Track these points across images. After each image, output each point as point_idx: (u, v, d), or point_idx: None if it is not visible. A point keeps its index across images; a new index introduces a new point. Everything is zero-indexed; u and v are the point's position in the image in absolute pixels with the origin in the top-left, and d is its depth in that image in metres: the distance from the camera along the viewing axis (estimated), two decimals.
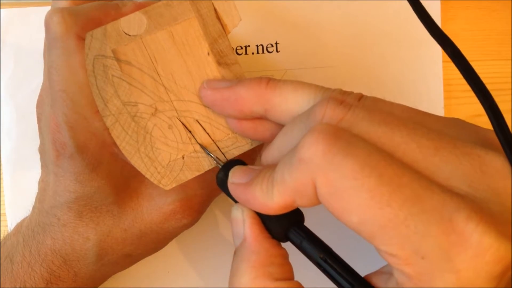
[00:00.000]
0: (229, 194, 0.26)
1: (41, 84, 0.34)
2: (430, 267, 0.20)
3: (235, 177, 0.26)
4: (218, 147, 0.29)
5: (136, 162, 0.28)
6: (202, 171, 0.29)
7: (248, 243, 0.25)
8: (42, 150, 0.33)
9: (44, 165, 0.33)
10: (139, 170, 0.28)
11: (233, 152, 0.29)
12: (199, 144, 0.29)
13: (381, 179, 0.20)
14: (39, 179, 0.33)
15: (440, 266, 0.19)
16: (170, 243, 0.34)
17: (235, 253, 0.25)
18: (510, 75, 0.41)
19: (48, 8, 0.40)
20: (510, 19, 0.41)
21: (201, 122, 0.29)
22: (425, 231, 0.19)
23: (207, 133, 0.29)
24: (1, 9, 0.40)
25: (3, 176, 0.39)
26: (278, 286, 0.23)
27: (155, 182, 0.28)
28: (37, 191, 0.33)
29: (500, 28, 0.41)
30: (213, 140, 0.29)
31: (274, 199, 0.23)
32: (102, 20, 0.28)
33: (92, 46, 0.27)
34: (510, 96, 0.40)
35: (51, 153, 0.31)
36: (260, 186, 0.24)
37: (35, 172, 0.34)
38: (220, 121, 0.29)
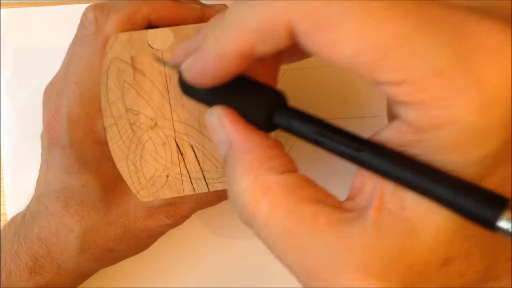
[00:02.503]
0: (196, 98, 0.24)
1: (41, 84, 0.34)
2: (449, 85, 0.17)
3: (188, 59, 0.22)
4: (204, 176, 0.29)
5: (122, 167, 0.28)
6: (182, 194, 0.29)
7: (237, 143, 0.21)
8: (41, 137, 0.33)
9: (41, 153, 0.33)
10: (122, 175, 0.28)
11: (217, 185, 0.29)
12: None
13: None
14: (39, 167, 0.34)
15: (460, 81, 0.17)
16: (171, 243, 0.34)
17: (224, 162, 0.22)
18: None
19: (48, 8, 0.40)
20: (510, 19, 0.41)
21: (195, 148, 0.29)
22: (436, 42, 0.17)
23: (198, 161, 0.29)
24: (1, 9, 0.40)
25: (3, 176, 0.39)
26: (284, 179, 0.20)
27: (134, 191, 0.29)
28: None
29: None
30: (201, 168, 0.29)
31: (228, 43, 0.19)
32: (132, 18, 0.28)
33: (113, 47, 0.28)
34: None
35: (45, 140, 0.31)
36: (211, 34, 0.20)
37: (35, 172, 0.34)
38: (213, 153, 0.29)
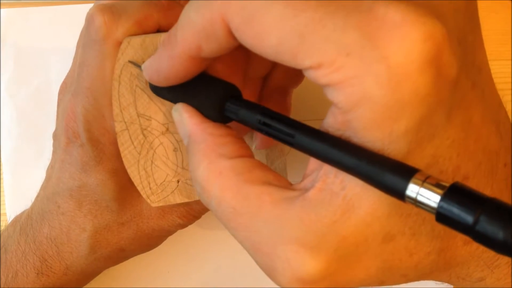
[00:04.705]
0: (163, 96, 0.26)
1: (41, 84, 0.34)
2: (357, 63, 0.18)
3: (147, 61, 0.25)
4: None
5: (132, 172, 0.28)
6: (192, 199, 0.29)
7: (193, 135, 0.23)
8: (55, 136, 0.33)
9: (54, 151, 0.33)
10: (133, 180, 0.28)
11: None
12: None
13: None
14: (48, 167, 0.33)
15: (367, 58, 0.17)
16: (170, 243, 0.34)
17: (187, 153, 0.24)
18: (510, 75, 0.41)
19: (48, 8, 0.40)
20: (510, 19, 0.41)
21: None
22: (344, 25, 0.18)
23: None
24: (1, 9, 0.40)
25: (3, 175, 0.39)
26: (234, 164, 0.22)
27: (144, 196, 0.29)
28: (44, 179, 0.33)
29: (500, 29, 0.41)
30: None
31: (178, 43, 0.22)
32: (143, 23, 0.28)
33: (126, 52, 0.27)
34: (510, 96, 0.40)
35: (62, 139, 0.31)
36: (163, 44, 0.22)
37: (35, 172, 0.34)
38: None
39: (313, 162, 0.21)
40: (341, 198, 0.20)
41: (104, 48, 0.28)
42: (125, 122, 0.28)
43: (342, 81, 0.18)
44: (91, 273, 0.34)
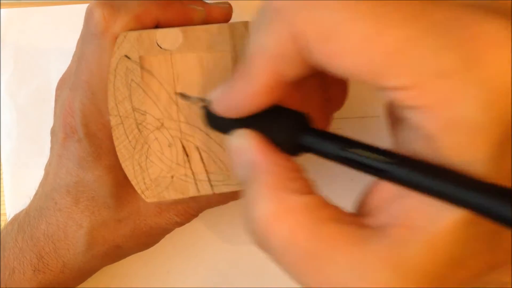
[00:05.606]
0: (219, 128, 0.24)
1: (41, 84, 0.34)
2: (455, 86, 0.16)
3: (216, 92, 0.23)
4: (208, 178, 0.29)
5: (127, 167, 0.28)
6: (186, 196, 0.29)
7: (260, 164, 0.21)
8: (52, 131, 0.33)
9: (51, 147, 0.33)
10: (127, 175, 0.28)
11: (222, 188, 0.29)
12: None
13: (372, 2, 0.17)
14: (46, 164, 0.34)
15: (466, 81, 0.16)
16: (170, 243, 0.34)
17: (245, 184, 0.22)
18: None
19: (48, 8, 0.40)
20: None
21: (200, 150, 0.29)
22: (437, 44, 0.16)
23: (203, 163, 0.29)
24: (1, 9, 0.40)
25: (3, 176, 0.39)
26: (307, 201, 0.20)
27: (138, 191, 0.29)
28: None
29: None
30: (206, 170, 0.29)
31: (254, 78, 0.20)
32: (142, 18, 0.28)
33: (122, 46, 0.28)
34: None
35: (59, 135, 0.31)
36: (237, 75, 0.20)
37: (35, 172, 0.34)
38: (219, 156, 0.29)
39: (381, 190, 0.20)
40: (427, 234, 0.18)
41: (103, 42, 0.28)
42: (120, 116, 0.28)
43: (434, 104, 0.17)
44: (88, 271, 0.34)
